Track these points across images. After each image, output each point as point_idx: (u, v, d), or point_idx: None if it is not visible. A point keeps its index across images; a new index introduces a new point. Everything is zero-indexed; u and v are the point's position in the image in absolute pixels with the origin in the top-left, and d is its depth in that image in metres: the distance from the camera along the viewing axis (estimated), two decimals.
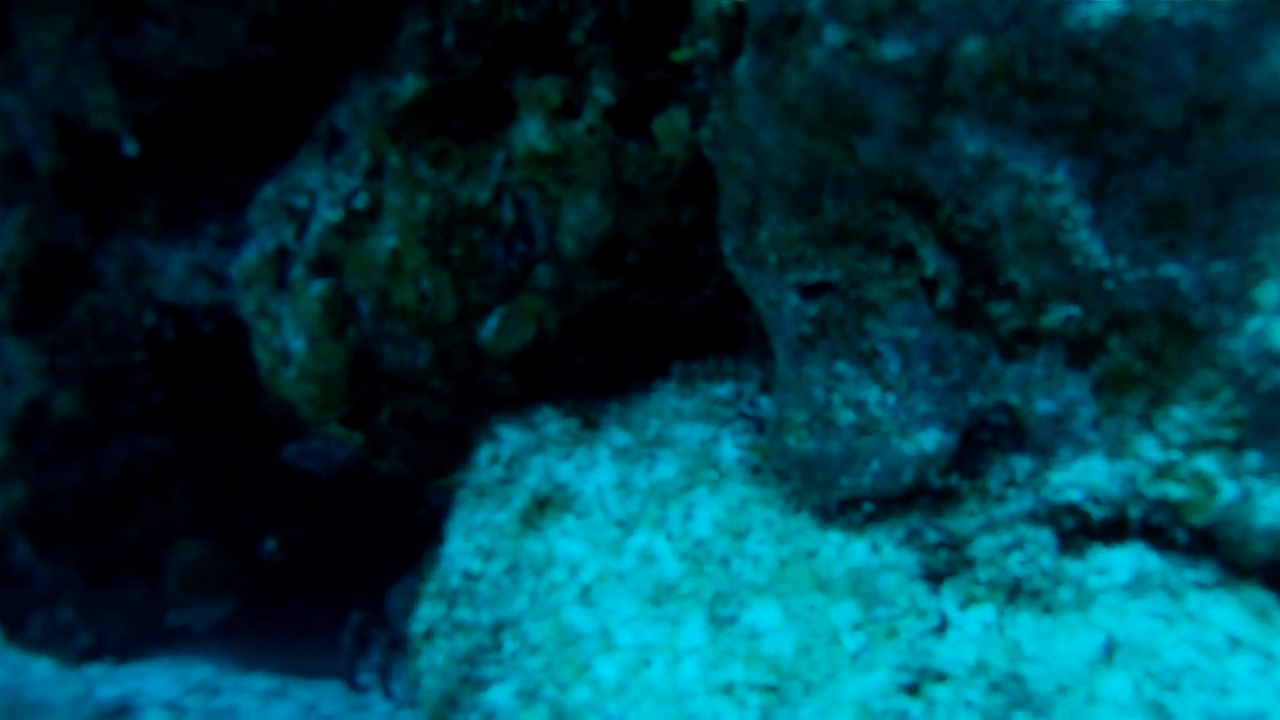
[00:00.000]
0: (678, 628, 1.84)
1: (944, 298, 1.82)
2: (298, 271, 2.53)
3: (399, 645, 4.09)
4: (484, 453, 2.41)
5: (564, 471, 2.25)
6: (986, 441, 1.91)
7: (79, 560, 3.89)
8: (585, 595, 1.95)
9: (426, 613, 2.18)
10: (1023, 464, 1.89)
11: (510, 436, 2.39)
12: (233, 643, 4.24)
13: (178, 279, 3.49)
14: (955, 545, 1.86)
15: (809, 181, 1.82)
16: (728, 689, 1.72)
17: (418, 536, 4.45)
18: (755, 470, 2.08)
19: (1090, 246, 1.72)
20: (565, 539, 2.09)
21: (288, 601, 4.44)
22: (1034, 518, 1.85)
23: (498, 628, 2.01)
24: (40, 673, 3.84)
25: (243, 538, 3.96)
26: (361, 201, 2.45)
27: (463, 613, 2.10)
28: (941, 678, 1.67)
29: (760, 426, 2.16)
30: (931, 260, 1.80)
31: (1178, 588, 1.75)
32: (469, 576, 2.14)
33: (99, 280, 3.52)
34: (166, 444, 3.71)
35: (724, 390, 2.26)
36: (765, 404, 2.21)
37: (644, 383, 2.43)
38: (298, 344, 2.58)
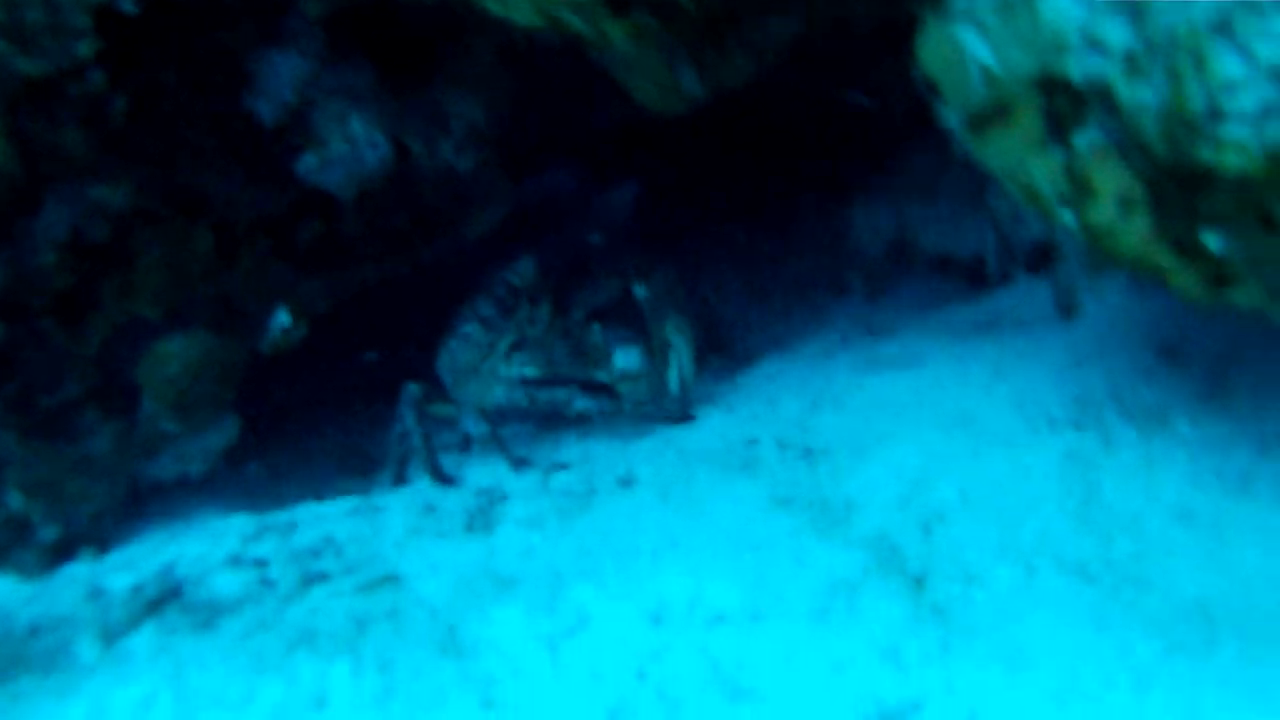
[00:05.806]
0: None
1: None
2: None
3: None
4: None
5: None
6: None
7: (14, 407, 2.67)
8: None
9: None
10: None
11: None
12: (228, 488, 3.13)
13: None
14: None
15: None
16: None
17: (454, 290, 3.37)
18: None
19: None
20: None
21: (293, 410, 3.39)
22: None
23: None
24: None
25: (243, 317, 2.91)
26: None
27: None
28: None
29: None
30: None
31: None
32: None
33: None
34: (130, 192, 2.59)
35: None
36: None
37: None
38: None
